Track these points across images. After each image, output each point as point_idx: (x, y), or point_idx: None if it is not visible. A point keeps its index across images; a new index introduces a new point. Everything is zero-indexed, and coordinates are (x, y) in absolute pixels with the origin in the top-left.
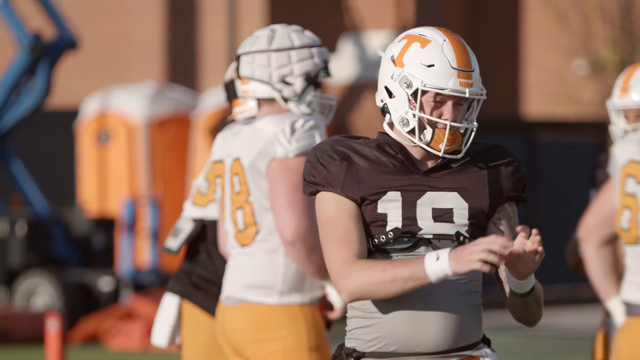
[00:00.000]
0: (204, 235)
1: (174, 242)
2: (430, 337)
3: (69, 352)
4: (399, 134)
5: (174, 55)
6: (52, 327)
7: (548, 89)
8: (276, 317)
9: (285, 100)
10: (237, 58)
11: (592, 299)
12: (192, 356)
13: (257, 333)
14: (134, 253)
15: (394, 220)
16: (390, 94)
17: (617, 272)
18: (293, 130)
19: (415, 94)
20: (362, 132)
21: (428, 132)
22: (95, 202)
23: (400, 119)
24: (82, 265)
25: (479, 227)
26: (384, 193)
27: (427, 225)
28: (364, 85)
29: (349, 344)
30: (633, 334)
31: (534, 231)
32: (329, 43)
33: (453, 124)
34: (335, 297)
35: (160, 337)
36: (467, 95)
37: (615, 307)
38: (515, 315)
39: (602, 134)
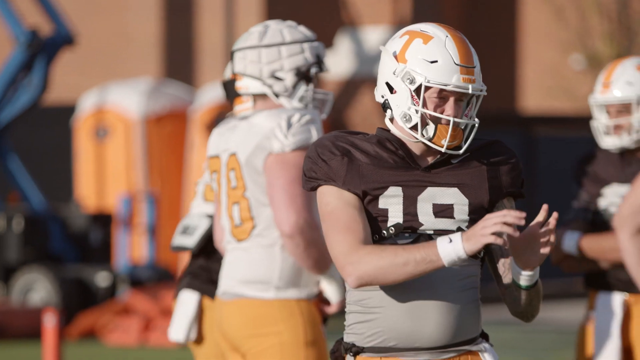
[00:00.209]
0: None
1: (189, 240)
2: (430, 332)
3: (66, 347)
4: (400, 129)
5: (172, 51)
6: (49, 322)
7: (545, 84)
8: (273, 312)
9: (277, 95)
10: (232, 54)
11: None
12: (215, 352)
13: (253, 328)
14: (131, 248)
15: (395, 216)
16: (391, 90)
17: None
18: (289, 125)
19: (418, 89)
20: (359, 127)
21: (430, 127)
22: (93, 198)
23: (403, 114)
24: (79, 260)
25: None
26: (386, 188)
27: (428, 221)
28: (361, 80)
29: (347, 338)
30: None
31: (554, 214)
32: (326, 38)
33: (456, 119)
34: (330, 292)
35: (178, 332)
36: (470, 91)
37: None
38: (514, 310)
39: None
